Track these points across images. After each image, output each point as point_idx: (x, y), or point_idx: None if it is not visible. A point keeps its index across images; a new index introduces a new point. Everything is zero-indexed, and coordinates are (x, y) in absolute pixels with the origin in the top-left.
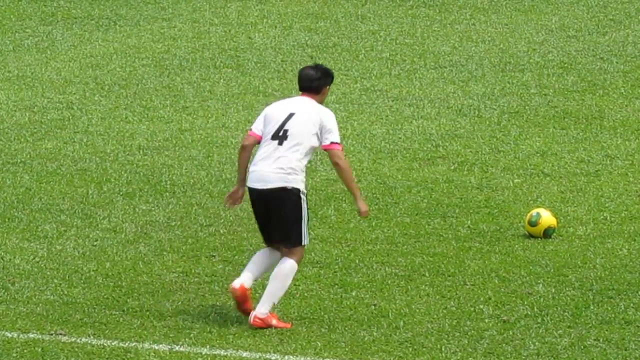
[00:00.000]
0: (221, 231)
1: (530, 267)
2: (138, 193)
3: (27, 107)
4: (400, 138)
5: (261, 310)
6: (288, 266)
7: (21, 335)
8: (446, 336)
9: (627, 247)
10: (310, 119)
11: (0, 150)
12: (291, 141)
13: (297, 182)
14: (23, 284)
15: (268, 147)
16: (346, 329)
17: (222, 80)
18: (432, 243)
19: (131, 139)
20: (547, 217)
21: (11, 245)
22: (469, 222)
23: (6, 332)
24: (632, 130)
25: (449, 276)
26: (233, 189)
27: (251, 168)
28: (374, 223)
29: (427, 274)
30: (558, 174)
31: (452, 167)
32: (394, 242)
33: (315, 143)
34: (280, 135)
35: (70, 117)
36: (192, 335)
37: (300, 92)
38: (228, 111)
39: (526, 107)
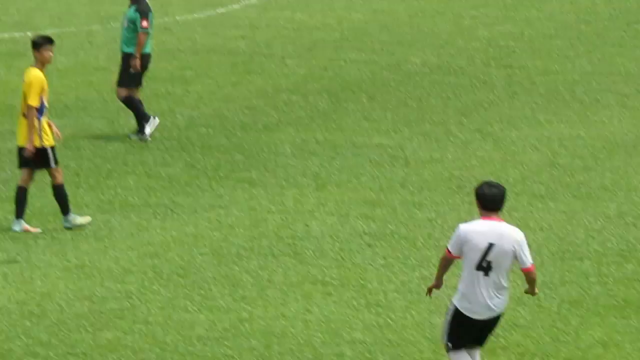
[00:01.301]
0: None
1: None
2: None
3: (86, 297)
4: None
5: None
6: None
7: None
8: None
9: None
10: (510, 251)
11: (60, 341)
12: (496, 272)
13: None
14: None
15: (474, 278)
16: None
17: (280, 269)
18: None
19: (190, 329)
20: None
21: None
22: None
23: None
24: None
25: None
26: (432, 284)
27: (466, 301)
28: None
29: None
30: None
31: (513, 358)
32: None
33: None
34: (484, 267)
35: (130, 307)
36: None
37: (485, 210)
38: (287, 300)
39: (586, 296)
